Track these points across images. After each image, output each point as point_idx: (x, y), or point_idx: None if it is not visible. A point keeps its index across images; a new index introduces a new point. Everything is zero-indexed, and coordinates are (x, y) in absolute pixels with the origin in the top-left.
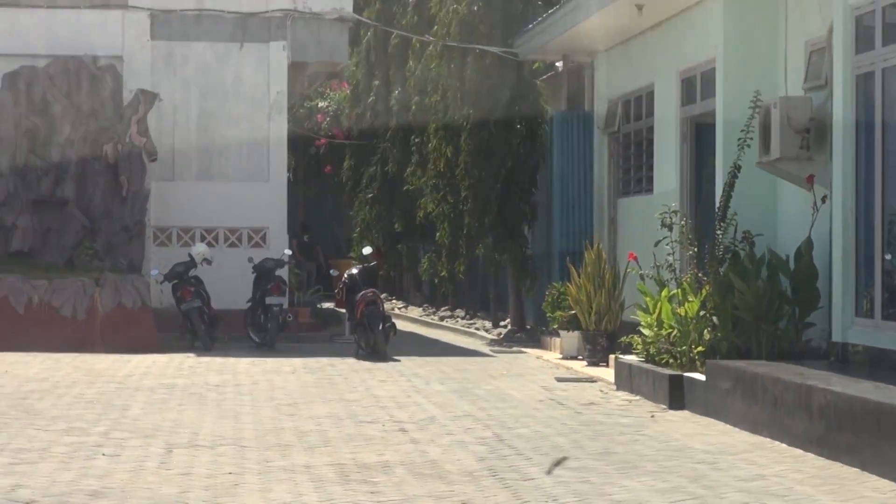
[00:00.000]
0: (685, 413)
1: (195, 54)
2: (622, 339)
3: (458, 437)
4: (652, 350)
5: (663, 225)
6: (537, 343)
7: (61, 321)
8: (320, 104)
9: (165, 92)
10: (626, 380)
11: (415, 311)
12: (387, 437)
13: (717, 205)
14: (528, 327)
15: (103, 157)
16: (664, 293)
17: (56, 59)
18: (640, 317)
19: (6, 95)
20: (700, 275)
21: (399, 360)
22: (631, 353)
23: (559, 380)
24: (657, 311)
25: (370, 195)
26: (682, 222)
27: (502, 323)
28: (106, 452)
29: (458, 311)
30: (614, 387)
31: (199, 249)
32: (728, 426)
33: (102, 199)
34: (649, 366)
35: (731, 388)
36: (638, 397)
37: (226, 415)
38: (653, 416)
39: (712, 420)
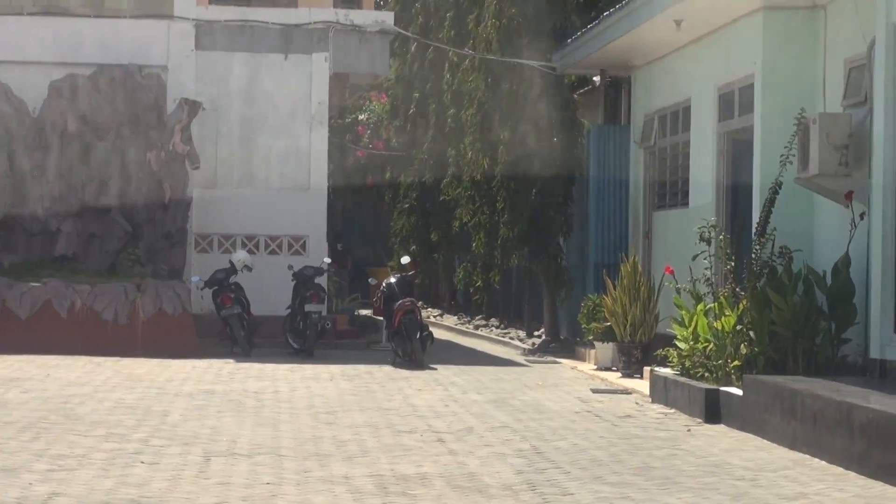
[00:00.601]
0: (721, 427)
1: (239, 64)
2: (657, 351)
3: (496, 448)
4: (687, 363)
5: (702, 239)
6: (571, 353)
7: (103, 326)
8: (360, 116)
9: (209, 101)
10: (662, 392)
11: (450, 320)
12: (425, 447)
13: (757, 220)
14: (562, 338)
15: (147, 164)
16: (700, 307)
17: (102, 68)
18: (676, 330)
19: (52, 103)
20: (737, 289)
21: (436, 369)
22: (666, 366)
23: (595, 391)
24: (693, 324)
25: (407, 205)
26: (721, 237)
27: (536, 333)
28: (145, 460)
29: (492, 320)
30: (649, 399)
31: (240, 256)
32: (766, 442)
33: (145, 206)
34: (685, 379)
35: (769, 404)
36: (673, 410)
37: (264, 422)
38: (689, 431)
39: (749, 435)
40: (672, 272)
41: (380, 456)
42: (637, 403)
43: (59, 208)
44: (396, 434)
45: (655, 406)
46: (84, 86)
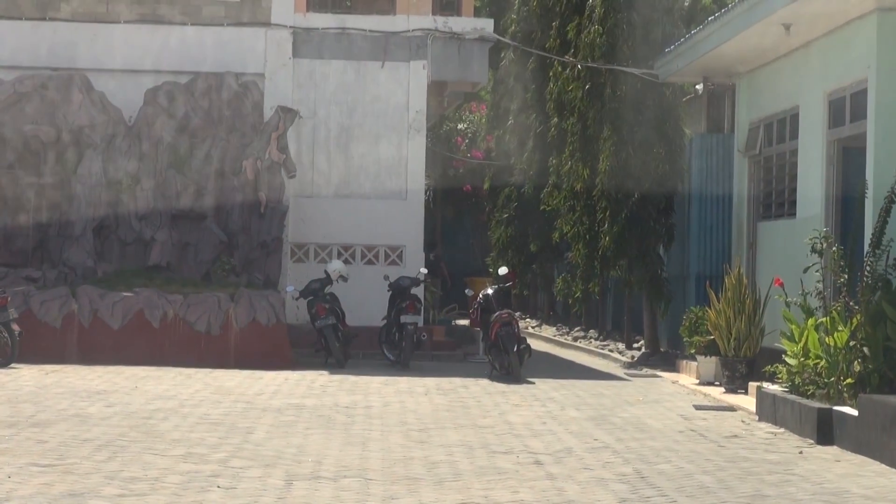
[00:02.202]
0: (835, 450)
1: (336, 72)
2: (766, 368)
3: (596, 472)
4: (797, 380)
5: (813, 250)
6: (672, 367)
7: (195, 336)
8: (459, 126)
9: (305, 109)
10: (770, 411)
11: (548, 331)
12: (521, 470)
13: (872, 230)
14: (663, 350)
15: (242, 172)
16: (811, 321)
17: (198, 76)
18: (785, 345)
19: (148, 111)
20: (851, 303)
21: (533, 383)
22: (772, 382)
23: (697, 407)
24: (804, 339)
25: (506, 215)
26: (834, 249)
27: (636, 345)
28: (221, 484)
29: (591, 331)
30: (756, 417)
31: (335, 266)
32: (885, 467)
33: (240, 215)
34: (794, 397)
35: (887, 426)
36: (782, 430)
37: (353, 441)
38: (801, 453)
39: (866, 459)
40: (781, 284)
41: (472, 481)
42: (743, 422)
43: (154, 217)
44: (491, 455)
45: (763, 425)
46: (180, 94)
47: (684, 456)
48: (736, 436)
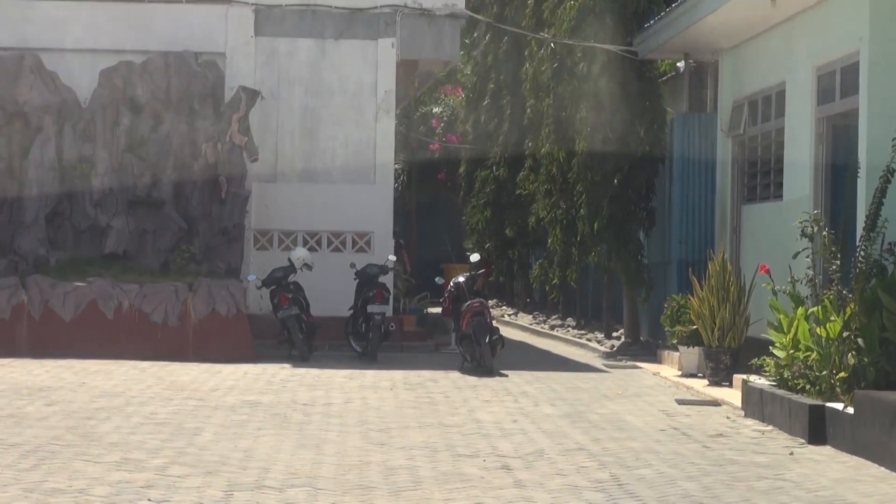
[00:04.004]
0: (828, 450)
1: (300, 51)
2: (753, 361)
3: (569, 478)
4: (786, 374)
5: (803, 235)
6: (653, 357)
7: (152, 328)
8: (434, 109)
9: (268, 90)
10: (757, 406)
11: (525, 319)
12: (487, 476)
13: (866, 213)
14: (643, 339)
15: (202, 156)
16: (800, 311)
17: (155, 56)
18: (773, 336)
19: (103, 92)
20: (843, 291)
21: (506, 376)
22: (759, 376)
23: (680, 402)
24: (793, 330)
25: (482, 200)
26: (826, 233)
27: (615, 334)
28: (153, 497)
29: (569, 319)
30: (742, 413)
31: (300, 254)
32: (884, 470)
33: (200, 201)
34: (783, 392)
35: (887, 425)
36: (770, 427)
37: (307, 443)
38: (792, 454)
39: (863, 461)
40: (768, 271)
41: (433, 489)
42: (728, 418)
43: (110, 203)
44: (456, 459)
45: (750, 422)
46: (136, 74)
47: (666, 459)
48: (721, 434)
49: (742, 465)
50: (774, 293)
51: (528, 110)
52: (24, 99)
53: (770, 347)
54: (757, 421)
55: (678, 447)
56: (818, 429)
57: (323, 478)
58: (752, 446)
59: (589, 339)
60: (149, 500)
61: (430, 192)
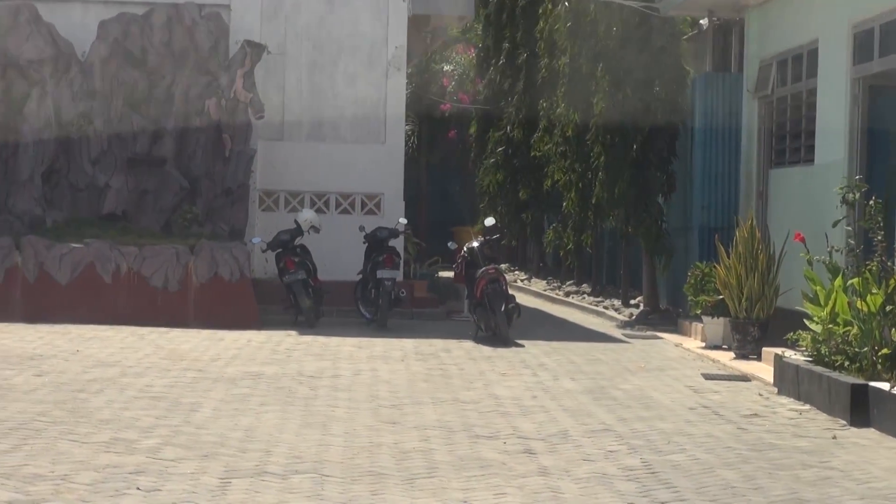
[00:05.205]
0: (873, 433)
1: (308, 4)
2: (789, 335)
3: (597, 464)
4: (823, 349)
5: (844, 202)
6: (674, 326)
7: (151, 293)
8: (446, 68)
9: (274, 44)
10: (792, 384)
11: (538, 285)
12: (509, 462)
13: None
14: (663, 308)
15: (205, 113)
16: (838, 282)
17: (156, 7)
18: (809, 308)
19: (101, 46)
20: (888, 263)
21: (522, 346)
22: (793, 350)
23: (707, 377)
24: (830, 303)
25: (493, 160)
26: (873, 201)
27: (633, 302)
28: (141, 486)
29: (584, 286)
30: (775, 390)
31: (307, 216)
32: None
33: (203, 159)
34: (821, 369)
35: None
36: (808, 407)
37: (313, 420)
38: (835, 438)
39: None
40: (803, 239)
41: (451, 476)
42: (761, 395)
43: (109, 161)
44: (474, 441)
45: (784, 400)
46: (136, 26)
47: (700, 442)
48: (756, 414)
49: (783, 450)
50: (810, 263)
51: (543, 70)
52: (19, 51)
53: (805, 321)
54: (792, 399)
55: (711, 428)
56: (861, 410)
57: (330, 462)
58: (790, 428)
59: (606, 307)
60: (137, 488)
61: (441, 153)
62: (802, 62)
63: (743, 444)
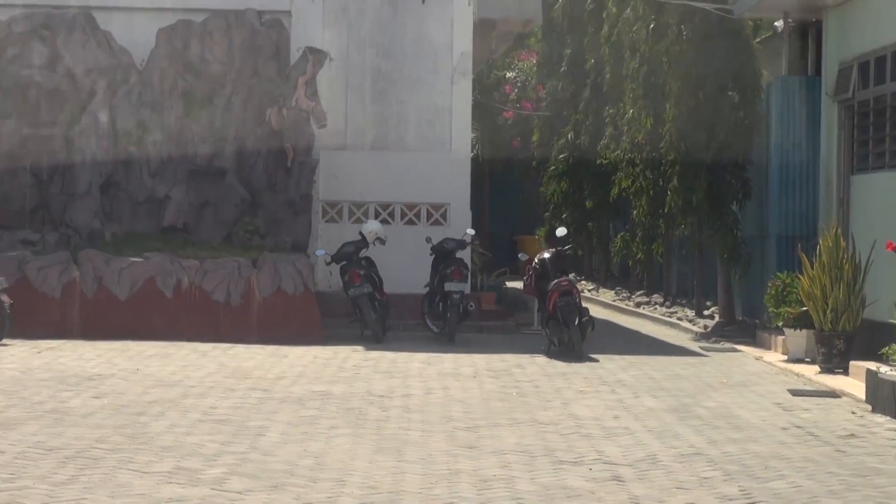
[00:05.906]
0: None
1: (371, 9)
2: (884, 350)
3: (693, 493)
4: None
5: None
6: (751, 339)
7: (213, 307)
8: (508, 74)
9: (337, 51)
10: (889, 401)
11: (606, 295)
12: (597, 491)
13: None
14: (740, 320)
15: (266, 122)
16: None
17: (216, 14)
18: None
19: (160, 53)
20: None
21: (597, 361)
22: (886, 364)
23: (794, 393)
24: None
25: (554, 167)
26: None
27: (706, 312)
28: None
29: (654, 296)
30: (868, 407)
31: (372, 227)
32: None
33: (265, 170)
34: None
35: None
36: None
37: (386, 445)
38: None
39: None
40: (895, 248)
41: None
42: (854, 413)
43: (168, 173)
44: (557, 466)
45: (880, 419)
46: (197, 34)
47: (799, 467)
48: (853, 435)
49: (889, 475)
50: None
51: (609, 75)
52: (76, 61)
53: None
54: (889, 418)
55: (808, 451)
56: None
57: (407, 493)
58: (892, 450)
59: (679, 318)
60: None
61: (505, 161)
62: (887, 64)
63: (845, 469)
